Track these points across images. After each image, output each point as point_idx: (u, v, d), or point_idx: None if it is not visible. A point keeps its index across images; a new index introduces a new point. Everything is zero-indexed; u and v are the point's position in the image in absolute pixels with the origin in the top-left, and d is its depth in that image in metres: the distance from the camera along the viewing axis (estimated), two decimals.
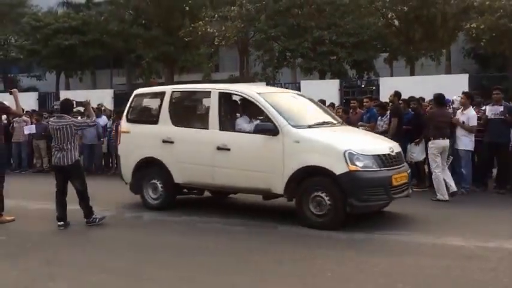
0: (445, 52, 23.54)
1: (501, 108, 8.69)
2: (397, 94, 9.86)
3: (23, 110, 10.99)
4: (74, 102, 7.13)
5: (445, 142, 8.34)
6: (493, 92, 8.97)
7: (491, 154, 9.02)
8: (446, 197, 8.13)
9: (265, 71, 22.90)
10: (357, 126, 10.06)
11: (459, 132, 8.78)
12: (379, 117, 9.86)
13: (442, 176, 8.23)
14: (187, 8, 25.99)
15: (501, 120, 8.65)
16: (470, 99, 9.01)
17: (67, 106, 7.13)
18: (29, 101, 17.08)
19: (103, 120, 13.13)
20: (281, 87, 17.60)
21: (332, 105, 12.05)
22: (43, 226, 6.89)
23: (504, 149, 8.79)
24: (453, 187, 8.29)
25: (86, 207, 6.90)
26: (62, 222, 6.79)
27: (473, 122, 8.75)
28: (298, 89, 16.03)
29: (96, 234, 6.45)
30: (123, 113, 12.34)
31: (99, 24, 27.24)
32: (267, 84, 17.01)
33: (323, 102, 11.29)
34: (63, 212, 6.85)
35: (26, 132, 13.29)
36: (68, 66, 27.85)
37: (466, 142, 8.76)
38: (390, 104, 9.96)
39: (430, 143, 8.47)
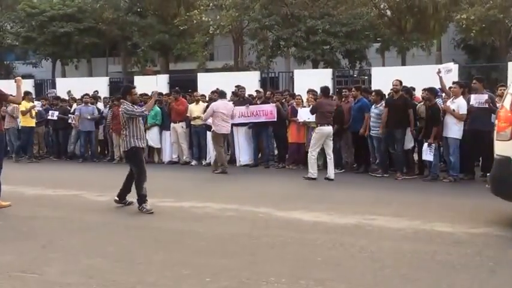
0: (436, 42, 23.85)
1: (485, 97, 8.89)
2: (401, 82, 9.76)
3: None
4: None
5: (329, 129, 9.37)
6: (473, 82, 9.31)
7: (476, 142, 9.13)
8: (316, 176, 9.23)
9: (259, 60, 23.17)
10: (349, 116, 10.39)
11: (449, 120, 9.01)
12: (373, 105, 9.96)
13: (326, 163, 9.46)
14: None
15: (485, 109, 8.84)
16: (461, 88, 9.27)
17: (123, 92, 7.28)
18: (24, 88, 17.26)
19: (100, 107, 13.47)
20: (275, 76, 17.96)
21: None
22: (39, 211, 7.05)
23: (486, 136, 8.79)
24: (331, 175, 9.29)
25: (123, 188, 7.11)
26: (116, 198, 7.19)
27: (463, 110, 8.97)
28: (292, 78, 16.35)
29: (93, 219, 6.59)
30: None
31: (94, 11, 27.29)
32: (261, 74, 17.26)
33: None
34: (122, 191, 7.16)
35: None
36: (64, 53, 27.91)
37: (454, 130, 8.98)
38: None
39: (316, 129, 9.41)
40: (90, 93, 13.80)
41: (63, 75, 28.55)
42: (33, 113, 12.92)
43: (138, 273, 4.46)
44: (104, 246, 5.32)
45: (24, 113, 12.71)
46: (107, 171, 11.54)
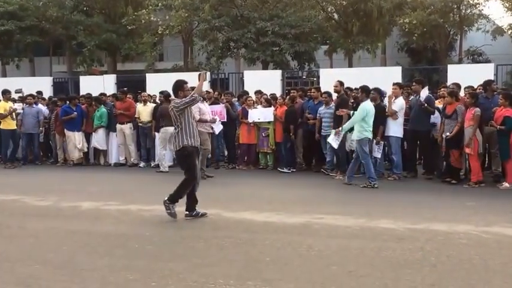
0: (381, 46, 24.61)
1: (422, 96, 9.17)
2: (342, 83, 10.00)
3: None
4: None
5: (172, 129, 10.62)
6: (412, 83, 9.74)
7: (415, 142, 9.56)
8: (167, 169, 10.61)
9: (209, 61, 23.05)
10: (298, 116, 10.50)
11: (390, 120, 9.25)
12: (323, 106, 10.04)
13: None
14: None
15: (422, 109, 9.15)
16: (401, 89, 9.62)
17: (174, 88, 6.56)
18: None
19: (42, 108, 12.87)
20: (225, 77, 17.92)
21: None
22: None
23: (424, 136, 9.33)
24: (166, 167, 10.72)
25: (188, 200, 6.40)
26: (186, 212, 6.44)
27: (401, 110, 9.26)
28: (242, 79, 16.37)
29: (32, 225, 6.33)
30: (63, 101, 12.19)
31: (37, 9, 26.26)
32: (211, 75, 17.17)
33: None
34: (189, 203, 6.43)
35: None
36: (4, 52, 26.72)
37: (395, 129, 9.26)
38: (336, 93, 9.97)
39: (162, 129, 10.68)
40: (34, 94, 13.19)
41: (4, 75, 27.31)
42: (14, 114, 11.99)
43: (80, 280, 4.30)
44: (43, 253, 5.10)
45: (2, 117, 11.77)
46: (49, 174, 11.12)
